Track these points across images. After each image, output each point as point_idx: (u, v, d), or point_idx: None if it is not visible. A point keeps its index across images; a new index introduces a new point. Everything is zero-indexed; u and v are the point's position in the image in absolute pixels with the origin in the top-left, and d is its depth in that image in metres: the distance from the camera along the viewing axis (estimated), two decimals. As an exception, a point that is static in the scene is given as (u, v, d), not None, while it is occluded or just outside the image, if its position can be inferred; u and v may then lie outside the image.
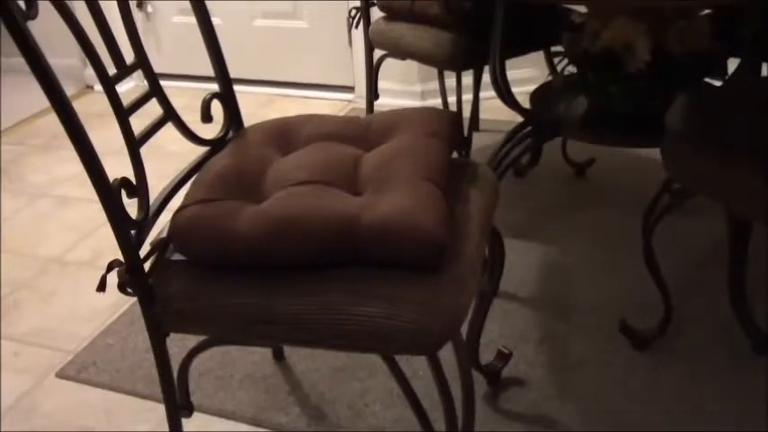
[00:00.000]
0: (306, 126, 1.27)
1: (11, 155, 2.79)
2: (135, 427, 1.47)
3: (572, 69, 1.79)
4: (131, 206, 1.02)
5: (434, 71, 2.55)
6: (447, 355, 1.02)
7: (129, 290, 1.03)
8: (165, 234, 1.08)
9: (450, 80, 2.46)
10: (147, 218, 1.07)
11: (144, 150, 1.08)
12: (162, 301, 1.04)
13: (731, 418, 1.36)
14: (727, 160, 1.17)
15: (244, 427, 1.45)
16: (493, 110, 2.54)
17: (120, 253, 1.01)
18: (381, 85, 2.41)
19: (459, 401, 1.09)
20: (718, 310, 1.59)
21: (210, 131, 1.27)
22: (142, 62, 1.13)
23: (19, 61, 0.89)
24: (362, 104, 2.75)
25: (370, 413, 1.45)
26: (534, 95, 1.91)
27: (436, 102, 2.68)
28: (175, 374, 1.18)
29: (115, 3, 1.08)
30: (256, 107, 3.01)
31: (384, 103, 2.51)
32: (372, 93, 2.36)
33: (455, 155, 1.25)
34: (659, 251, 1.48)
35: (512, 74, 1.75)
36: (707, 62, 1.63)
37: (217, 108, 1.25)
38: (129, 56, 1.11)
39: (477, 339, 1.44)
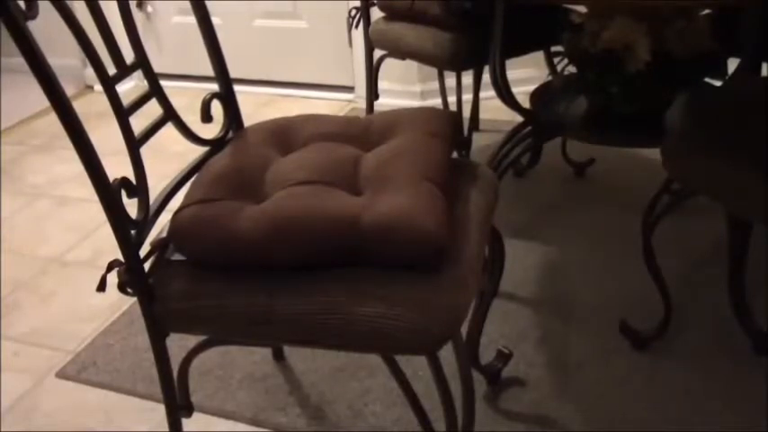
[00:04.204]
0: (306, 126, 1.27)
1: (11, 155, 2.79)
2: (135, 427, 1.47)
3: (572, 69, 1.79)
4: (131, 206, 1.02)
5: (434, 71, 2.55)
6: (447, 355, 1.02)
7: (129, 290, 1.03)
8: (165, 234, 1.08)
9: (451, 80, 2.46)
10: (147, 218, 1.07)
11: (144, 150, 1.08)
12: (162, 301, 1.04)
13: (731, 417, 1.36)
14: (726, 160, 1.17)
15: (244, 427, 1.45)
16: (493, 110, 2.54)
17: (120, 253, 1.01)
18: (381, 85, 2.41)
19: (459, 401, 1.09)
20: (719, 310, 1.59)
21: (210, 131, 1.27)
22: (142, 62, 1.13)
23: (19, 61, 0.89)
24: (362, 104, 2.75)
25: (370, 413, 1.45)
26: (534, 95, 1.91)
27: (436, 102, 2.68)
28: (175, 374, 1.18)
29: (115, 3, 1.08)
30: (256, 107, 3.01)
31: (384, 103, 2.51)
32: (372, 93, 2.36)
33: (455, 155, 1.25)
34: (659, 251, 1.48)
35: (512, 74, 1.74)
36: (707, 62, 1.63)
37: (217, 108, 1.25)
38: (129, 56, 1.11)
39: (477, 339, 1.44)
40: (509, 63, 1.74)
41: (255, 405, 1.49)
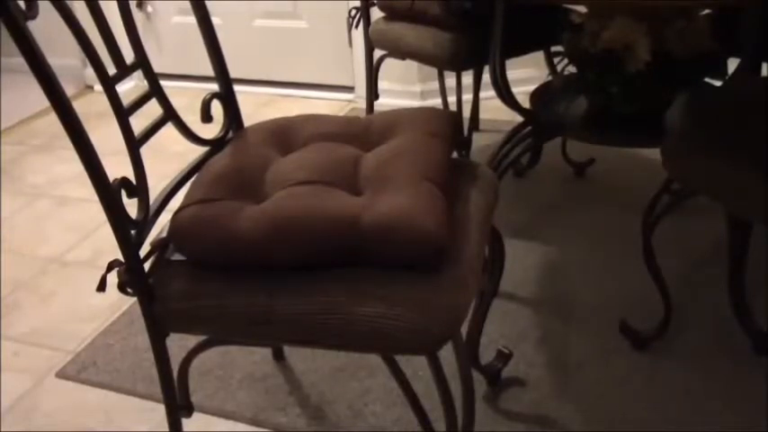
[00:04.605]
0: (306, 126, 1.27)
1: (11, 155, 2.79)
2: (135, 427, 1.47)
3: (572, 69, 1.79)
4: (131, 206, 1.02)
5: (434, 71, 2.55)
6: (447, 355, 1.02)
7: (129, 290, 1.03)
8: (165, 234, 1.08)
9: (451, 80, 2.46)
10: (147, 218, 1.07)
11: (144, 150, 1.08)
12: (162, 301, 1.04)
13: (731, 417, 1.36)
14: (726, 160, 1.17)
15: (244, 427, 1.45)
16: (493, 110, 2.54)
17: (120, 253, 1.01)
18: (381, 85, 2.41)
19: (459, 401, 1.09)
20: (719, 310, 1.59)
21: (210, 131, 1.27)
22: (142, 62, 1.13)
23: (19, 61, 0.89)
24: (362, 104, 2.75)
25: (370, 413, 1.45)
26: (534, 95, 1.91)
27: (436, 102, 2.68)
28: (175, 374, 1.18)
29: (115, 3, 1.08)
30: (256, 107, 3.01)
31: (384, 103, 2.51)
32: (372, 93, 2.36)
33: (455, 155, 1.25)
34: (659, 251, 1.48)
35: (512, 74, 1.74)
36: (707, 62, 1.63)
37: (217, 108, 1.25)
38: (129, 56, 1.11)
39: (477, 339, 1.44)
40: (509, 63, 1.74)
41: (255, 405, 1.49)
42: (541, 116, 1.85)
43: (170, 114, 1.18)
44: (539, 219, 2.06)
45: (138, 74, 1.14)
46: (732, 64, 1.63)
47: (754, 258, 1.51)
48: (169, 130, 1.20)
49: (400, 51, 2.13)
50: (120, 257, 1.02)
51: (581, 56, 1.68)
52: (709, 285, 1.70)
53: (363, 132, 1.24)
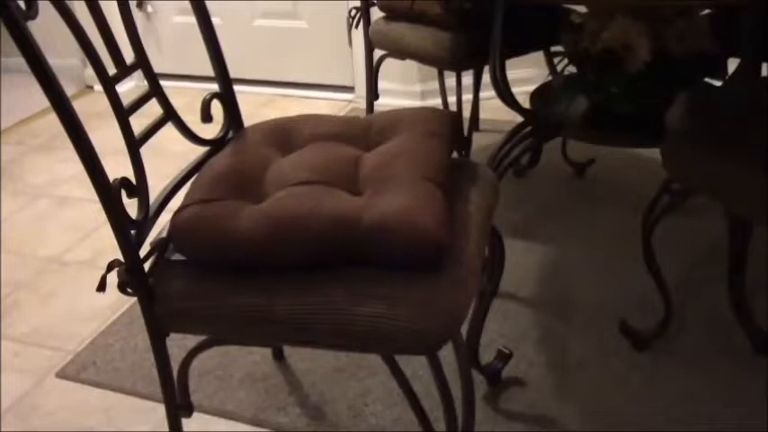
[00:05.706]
0: (306, 126, 1.27)
1: (11, 155, 2.79)
2: (135, 427, 1.47)
3: (572, 69, 1.79)
4: (131, 206, 1.02)
5: (434, 71, 2.56)
6: (447, 355, 1.02)
7: (129, 290, 1.03)
8: (165, 234, 1.08)
9: (451, 80, 2.46)
10: (147, 218, 1.07)
11: (144, 150, 1.08)
12: (162, 301, 1.04)
13: (731, 417, 1.36)
14: (727, 160, 1.17)
15: (244, 427, 1.45)
16: (493, 110, 2.54)
17: (120, 253, 1.01)
18: (381, 85, 2.41)
19: (459, 401, 1.09)
20: (718, 310, 1.59)
21: (210, 131, 1.27)
22: (142, 62, 1.13)
23: (19, 61, 0.89)
24: (362, 104, 2.75)
25: (370, 413, 1.45)
26: (534, 95, 1.91)
27: (436, 102, 2.68)
28: (175, 374, 1.18)
29: (115, 3, 1.08)
30: (256, 107, 3.01)
31: (384, 103, 2.51)
32: (372, 93, 2.36)
33: (455, 155, 1.25)
34: (659, 251, 1.48)
35: (512, 74, 1.74)
36: (707, 62, 1.63)
37: (217, 108, 1.25)
38: (129, 56, 1.11)
39: (477, 339, 1.44)
40: (509, 63, 1.74)
41: (255, 405, 1.49)
42: (541, 116, 1.85)
43: (170, 114, 1.18)
44: (539, 219, 2.06)
45: (138, 74, 1.14)
46: (732, 64, 1.63)
47: (754, 258, 1.51)
48: (169, 130, 1.20)
49: (400, 51, 2.13)
50: (120, 257, 1.02)
51: (581, 56, 1.68)
52: (709, 285, 1.70)
53: (363, 132, 1.24)
